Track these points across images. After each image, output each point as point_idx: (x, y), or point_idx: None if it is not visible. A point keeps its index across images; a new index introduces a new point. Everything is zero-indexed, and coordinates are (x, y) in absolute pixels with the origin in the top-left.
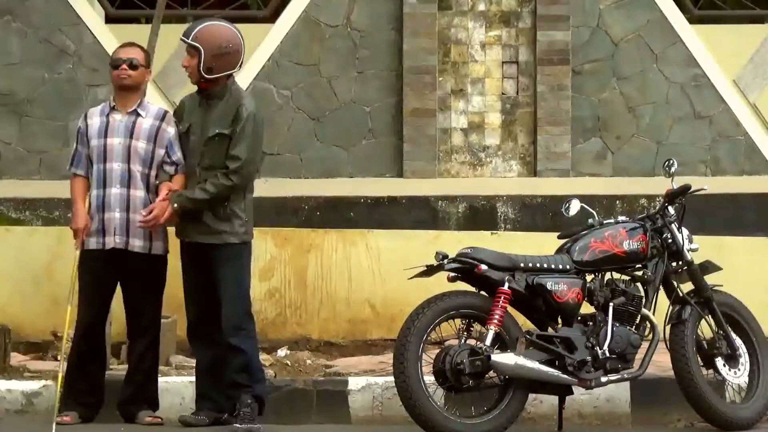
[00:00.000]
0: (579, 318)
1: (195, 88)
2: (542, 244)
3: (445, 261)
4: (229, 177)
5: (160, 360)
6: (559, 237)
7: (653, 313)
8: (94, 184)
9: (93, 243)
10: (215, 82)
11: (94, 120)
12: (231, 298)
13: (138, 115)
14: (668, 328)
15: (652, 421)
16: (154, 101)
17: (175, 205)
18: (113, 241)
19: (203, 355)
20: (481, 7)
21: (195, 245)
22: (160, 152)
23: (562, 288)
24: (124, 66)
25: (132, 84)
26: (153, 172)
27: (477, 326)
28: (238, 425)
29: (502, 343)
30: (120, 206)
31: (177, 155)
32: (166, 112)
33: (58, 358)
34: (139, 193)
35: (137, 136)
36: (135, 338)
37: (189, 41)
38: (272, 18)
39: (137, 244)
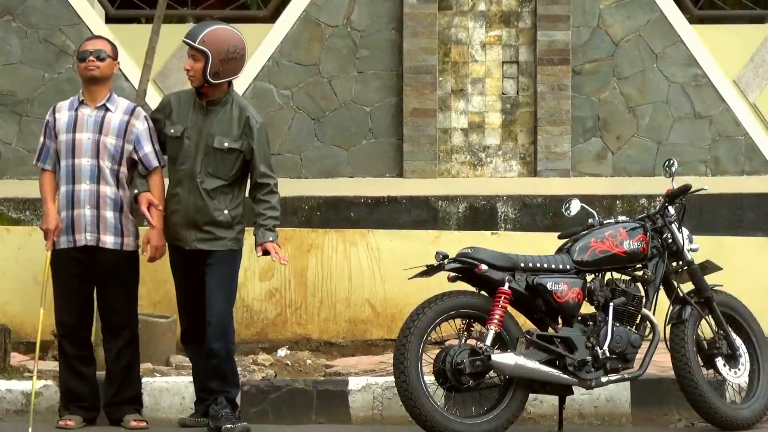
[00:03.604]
0: (579, 318)
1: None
2: (542, 244)
3: (446, 261)
4: (274, 192)
5: (160, 360)
6: (559, 237)
7: (653, 313)
8: (62, 180)
9: (64, 242)
10: (218, 87)
11: (63, 114)
12: (221, 303)
13: (107, 109)
14: (668, 328)
15: (652, 421)
16: (154, 102)
17: (275, 239)
18: (84, 238)
19: (200, 358)
20: (481, 7)
21: (192, 252)
22: (129, 148)
23: (563, 288)
24: (92, 58)
25: (100, 76)
26: (123, 168)
27: (477, 326)
28: (229, 426)
29: (502, 343)
30: (90, 203)
31: (144, 150)
32: (135, 107)
33: (55, 358)
34: (108, 189)
35: (106, 131)
36: (111, 337)
37: (196, 45)
38: (272, 18)
39: (109, 240)
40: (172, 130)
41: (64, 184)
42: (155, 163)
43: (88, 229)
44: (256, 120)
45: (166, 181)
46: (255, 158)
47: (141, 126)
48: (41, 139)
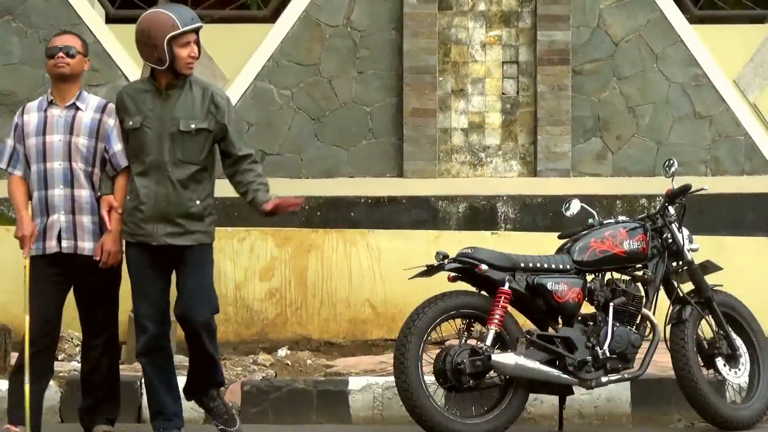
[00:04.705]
0: (579, 318)
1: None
2: (542, 244)
3: (446, 261)
4: (257, 162)
5: None
6: (559, 237)
7: (654, 313)
8: (34, 186)
9: (37, 249)
10: None
11: (32, 116)
12: (204, 300)
13: (77, 108)
14: (668, 327)
15: (652, 421)
16: None
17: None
18: (59, 245)
19: (160, 369)
20: (482, 7)
21: (160, 249)
22: (102, 146)
23: (563, 288)
24: (61, 54)
25: (70, 73)
26: (96, 170)
27: (477, 326)
28: (225, 428)
29: (502, 343)
30: (65, 208)
31: (114, 149)
32: (107, 104)
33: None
34: (83, 192)
35: (78, 132)
36: (88, 345)
37: (200, 23)
38: (272, 18)
39: (87, 246)
40: (131, 123)
41: (37, 189)
42: (125, 162)
43: (63, 236)
44: (221, 96)
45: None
46: (230, 133)
47: (112, 123)
48: (10, 142)
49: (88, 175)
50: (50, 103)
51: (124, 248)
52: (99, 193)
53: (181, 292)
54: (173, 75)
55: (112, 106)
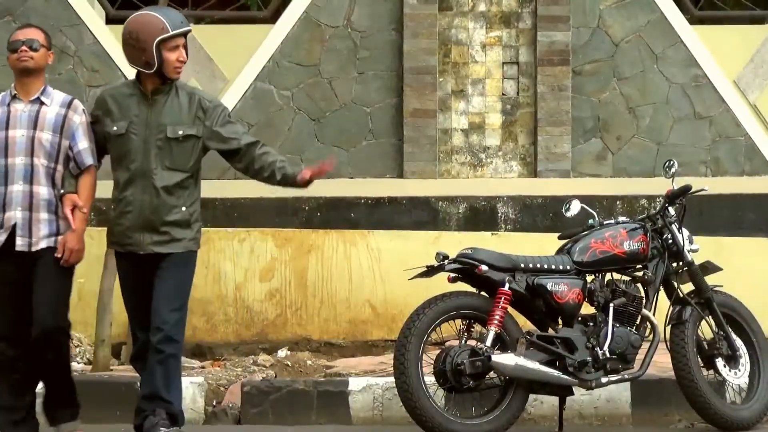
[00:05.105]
0: (579, 318)
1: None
2: (542, 245)
3: (446, 262)
4: (268, 148)
5: None
6: (559, 238)
7: (654, 314)
8: None
9: None
10: None
11: None
12: (173, 306)
13: (42, 103)
14: (669, 328)
15: (652, 422)
16: None
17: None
18: (12, 241)
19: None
20: (482, 7)
21: (148, 257)
22: (66, 144)
23: (563, 289)
24: (24, 48)
25: (34, 67)
26: (59, 167)
27: (477, 327)
28: (163, 430)
29: (502, 343)
30: (22, 204)
31: (78, 147)
32: (72, 100)
33: None
34: (42, 189)
35: (42, 126)
36: (37, 342)
37: (189, 27)
38: (273, 19)
39: (41, 244)
40: (115, 128)
41: None
42: (89, 161)
43: (19, 233)
44: (209, 100)
45: (108, 183)
46: (223, 133)
47: (78, 120)
48: None
49: (50, 172)
50: (13, 98)
51: (108, 250)
52: (62, 191)
53: (154, 294)
54: (160, 79)
55: (78, 102)
